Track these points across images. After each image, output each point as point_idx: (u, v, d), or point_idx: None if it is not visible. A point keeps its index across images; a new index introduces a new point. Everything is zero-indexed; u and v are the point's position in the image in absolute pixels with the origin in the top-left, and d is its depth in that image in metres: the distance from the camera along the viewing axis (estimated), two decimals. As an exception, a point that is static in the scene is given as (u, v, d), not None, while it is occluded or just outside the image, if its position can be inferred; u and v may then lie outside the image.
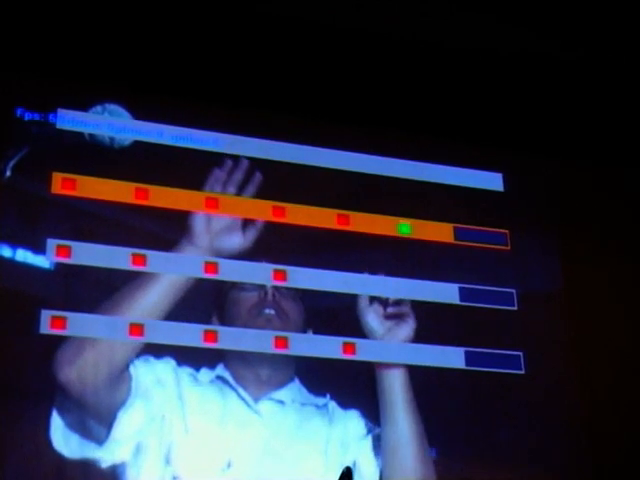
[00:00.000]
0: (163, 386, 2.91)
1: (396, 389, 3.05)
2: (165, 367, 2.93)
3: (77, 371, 2.81)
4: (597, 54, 3.47)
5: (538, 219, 3.45)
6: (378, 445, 3.04)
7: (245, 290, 3.06)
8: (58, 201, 2.97)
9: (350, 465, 2.59)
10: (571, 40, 3.41)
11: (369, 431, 3.05)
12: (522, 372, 3.21)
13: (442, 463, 3.06)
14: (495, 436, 3.15)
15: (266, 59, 3.30)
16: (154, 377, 2.91)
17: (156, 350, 2.92)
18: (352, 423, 3.05)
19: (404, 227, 3.26)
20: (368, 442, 3.04)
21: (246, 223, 3.08)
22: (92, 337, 2.85)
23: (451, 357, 3.13)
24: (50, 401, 2.79)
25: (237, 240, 3.06)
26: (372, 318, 3.13)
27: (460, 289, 3.23)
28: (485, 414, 3.16)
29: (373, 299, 3.16)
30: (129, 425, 2.84)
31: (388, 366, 3.09)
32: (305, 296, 3.07)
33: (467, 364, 3.14)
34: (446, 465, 3.06)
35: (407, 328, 3.15)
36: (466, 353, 3.15)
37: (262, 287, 3.04)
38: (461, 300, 3.22)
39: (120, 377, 2.86)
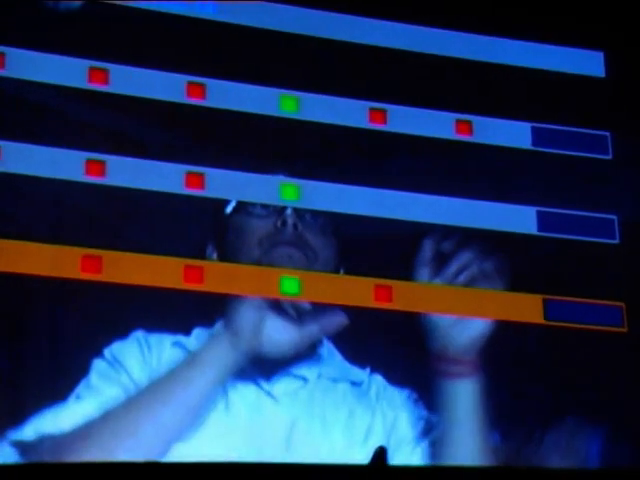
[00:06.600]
0: (118, 373, 2.55)
1: (465, 402, 2.71)
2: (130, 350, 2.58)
3: None
4: None
5: (652, 117, 3.17)
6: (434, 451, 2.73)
7: (254, 215, 2.70)
8: (-21, 84, 2.73)
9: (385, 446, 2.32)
10: None
11: (430, 427, 2.70)
12: (622, 329, 2.87)
13: (507, 449, 2.72)
14: (581, 411, 2.81)
15: None
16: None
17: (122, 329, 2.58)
18: (405, 415, 2.69)
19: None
20: (429, 441, 2.70)
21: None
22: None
23: (528, 308, 2.80)
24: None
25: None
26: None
27: (539, 214, 2.91)
28: (569, 382, 2.82)
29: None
30: None
31: (455, 375, 2.72)
32: (338, 227, 2.77)
33: (547, 318, 2.80)
34: (513, 451, 2.73)
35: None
36: (546, 302, 2.80)
37: (279, 212, 2.71)
38: (540, 230, 2.89)
39: None
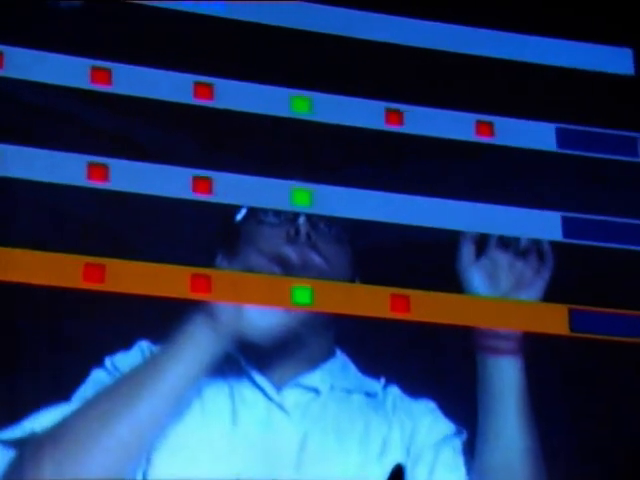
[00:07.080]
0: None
1: (509, 380, 2.59)
2: (133, 360, 2.51)
3: None
4: None
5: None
6: (468, 450, 2.59)
7: (266, 224, 2.61)
8: (-24, 85, 2.68)
9: (403, 463, 2.23)
10: None
11: (453, 433, 2.60)
12: (653, 339, 2.81)
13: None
14: (613, 424, 2.73)
15: None
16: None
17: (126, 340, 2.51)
18: (424, 423, 2.59)
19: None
20: (452, 446, 2.58)
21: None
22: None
23: (553, 318, 2.69)
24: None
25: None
26: (479, 281, 2.72)
27: (564, 220, 2.79)
28: (600, 398, 2.74)
29: (481, 247, 2.72)
30: None
31: (499, 351, 2.62)
32: (353, 235, 2.69)
33: (573, 329, 2.68)
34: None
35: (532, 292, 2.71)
36: (572, 312, 2.69)
37: (291, 220, 2.63)
38: (565, 236, 2.76)
39: None
